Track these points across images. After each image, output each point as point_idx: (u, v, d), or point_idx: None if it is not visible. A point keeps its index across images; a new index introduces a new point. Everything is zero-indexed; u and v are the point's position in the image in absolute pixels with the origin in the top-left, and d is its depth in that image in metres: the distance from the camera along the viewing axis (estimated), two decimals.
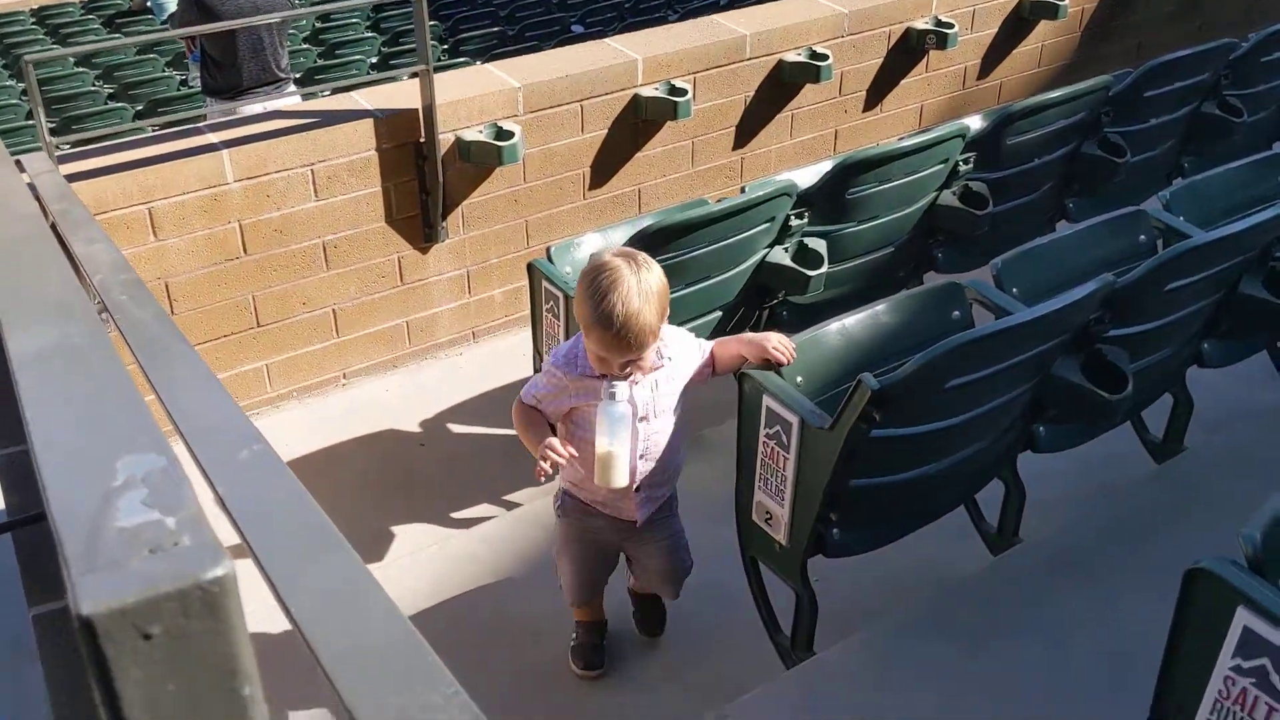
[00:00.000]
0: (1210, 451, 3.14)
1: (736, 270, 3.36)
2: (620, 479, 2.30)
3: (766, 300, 3.60)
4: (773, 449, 2.48)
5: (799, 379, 2.51)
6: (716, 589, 2.80)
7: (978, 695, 2.40)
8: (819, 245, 3.43)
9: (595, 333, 2.18)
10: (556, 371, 2.32)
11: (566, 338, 3.29)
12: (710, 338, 3.50)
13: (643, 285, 2.17)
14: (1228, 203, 3.18)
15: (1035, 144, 3.84)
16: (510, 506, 3.48)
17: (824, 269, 3.41)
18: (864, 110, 5.24)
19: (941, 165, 3.63)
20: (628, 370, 2.25)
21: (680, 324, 3.39)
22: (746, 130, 4.84)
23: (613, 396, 2.24)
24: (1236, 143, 4.22)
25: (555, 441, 2.30)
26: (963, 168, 3.71)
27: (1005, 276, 2.74)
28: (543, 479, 2.33)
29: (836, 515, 2.44)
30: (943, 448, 2.49)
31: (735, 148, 4.84)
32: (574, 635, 2.79)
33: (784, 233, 3.42)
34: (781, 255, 3.43)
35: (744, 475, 2.62)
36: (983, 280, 2.83)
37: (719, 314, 3.44)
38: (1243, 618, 1.57)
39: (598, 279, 2.16)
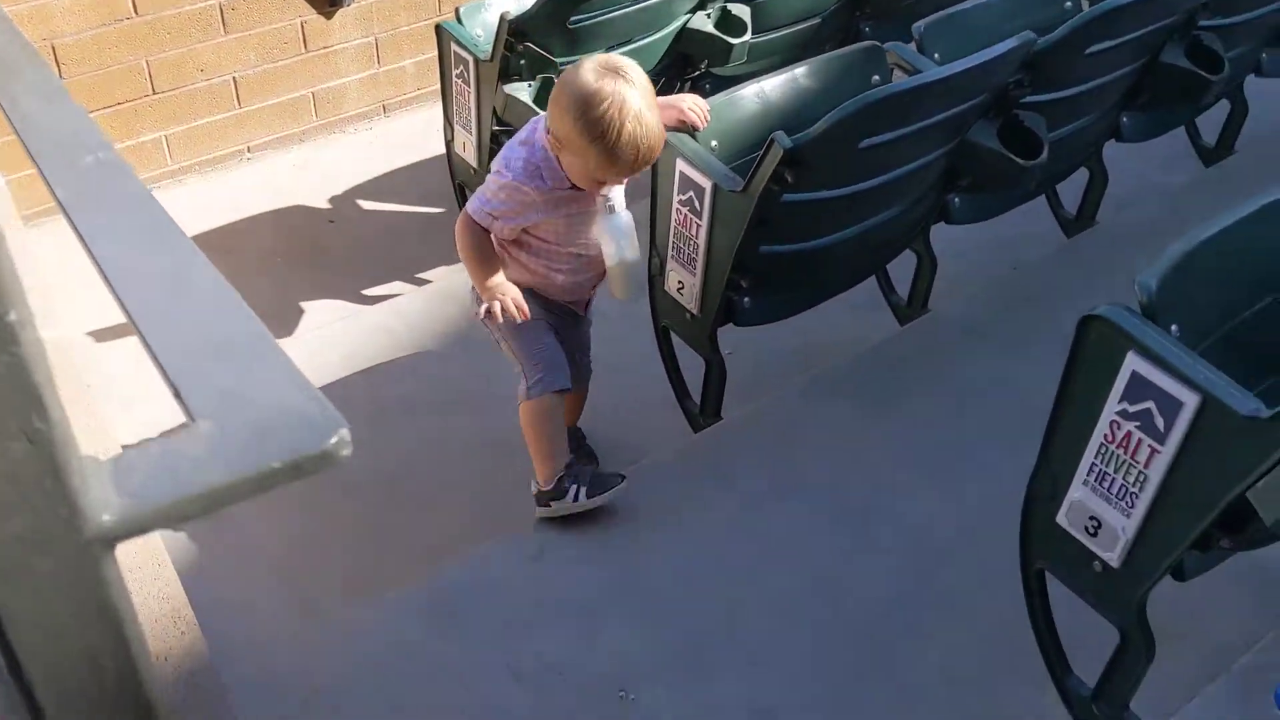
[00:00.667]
0: (1120, 227, 3.17)
1: (657, 36, 3.23)
2: (640, 287, 2.29)
3: (688, 71, 3.48)
4: (685, 216, 2.43)
5: (714, 143, 2.44)
6: (627, 361, 2.80)
7: (880, 454, 2.47)
8: (743, 12, 3.30)
9: (605, 162, 2.01)
10: (524, 187, 2.11)
11: (478, 104, 3.16)
12: None
13: (646, 100, 2.01)
14: None
15: None
16: (423, 283, 3.42)
17: (748, 37, 3.29)
18: None
19: None
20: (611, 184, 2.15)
21: None
22: None
23: (613, 209, 2.15)
24: None
25: (515, 292, 2.15)
26: None
27: (927, 39, 2.66)
28: (487, 323, 2.19)
29: (747, 283, 2.43)
30: (856, 213, 2.46)
31: None
32: (569, 487, 2.29)
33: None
34: (704, 21, 3.29)
35: (657, 245, 2.58)
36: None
37: None
38: (1132, 362, 1.59)
39: (602, 111, 1.97)
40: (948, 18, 2.72)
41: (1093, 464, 1.70)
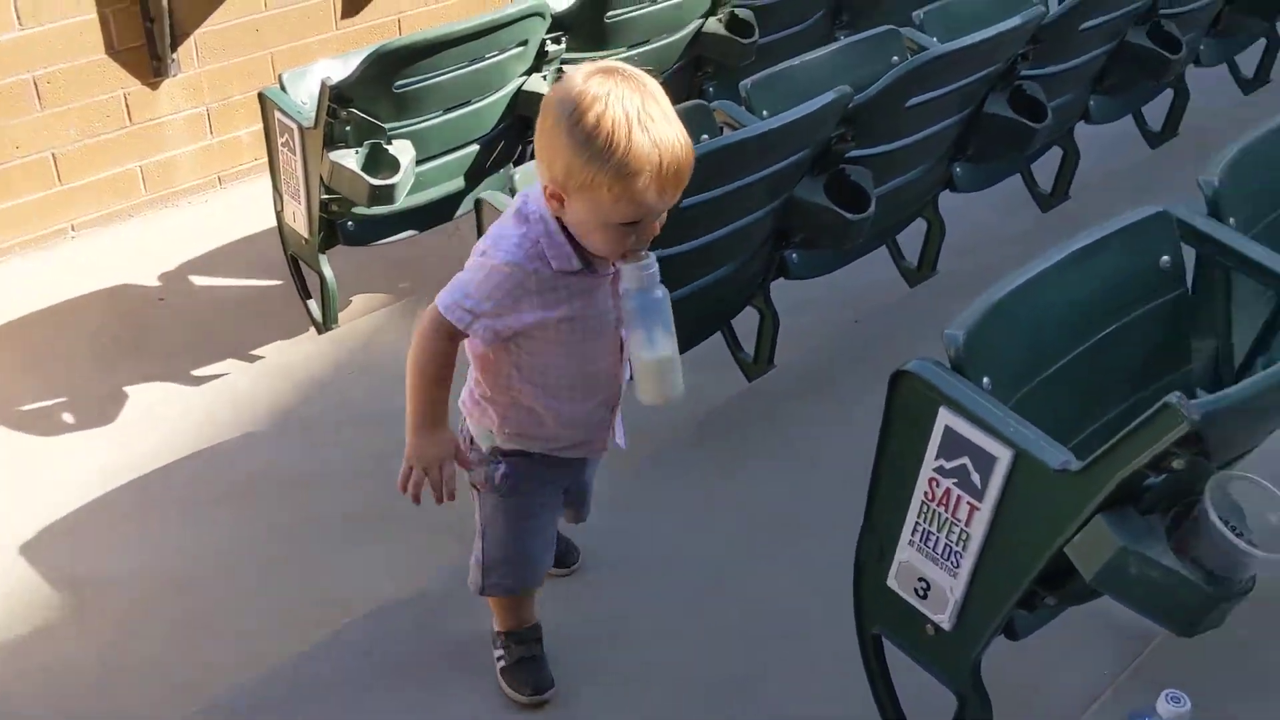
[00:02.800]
0: (961, 275, 3.18)
1: (492, 98, 3.17)
2: (680, 385, 1.65)
3: (528, 134, 3.42)
4: None
5: None
6: None
7: (725, 519, 2.40)
8: None
9: (621, 187, 1.44)
10: (523, 267, 1.55)
11: (305, 173, 3.04)
12: (469, 174, 3.37)
13: (656, 99, 1.48)
14: (981, 24, 3.16)
15: None
16: (255, 360, 3.26)
17: None
18: None
19: None
20: (640, 244, 1.55)
21: (436, 158, 3.21)
22: None
23: (645, 280, 1.56)
24: None
25: (449, 462, 1.65)
26: None
27: (754, 97, 2.64)
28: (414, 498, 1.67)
29: None
30: (690, 272, 2.41)
31: None
32: (502, 651, 1.99)
33: (541, 59, 3.24)
34: (540, 83, 3.25)
35: None
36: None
37: (476, 148, 3.26)
38: (944, 417, 1.55)
39: (596, 114, 1.42)
40: (773, 75, 2.71)
41: (916, 523, 1.65)
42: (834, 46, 2.90)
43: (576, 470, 1.88)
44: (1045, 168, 3.66)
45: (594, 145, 1.43)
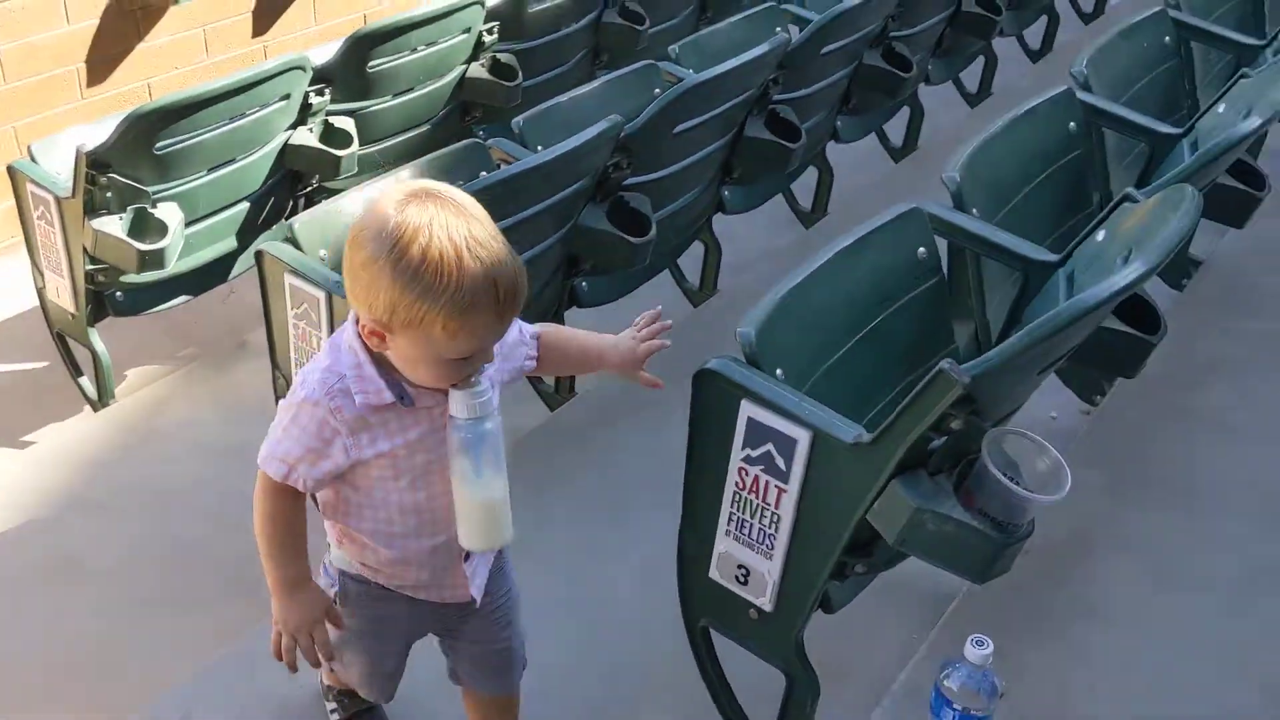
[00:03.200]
0: (739, 290, 3.34)
1: (258, 155, 3.12)
2: (508, 529, 1.49)
3: (300, 188, 3.38)
4: (304, 330, 2.33)
5: (322, 253, 2.36)
6: None
7: (544, 538, 2.43)
8: (346, 124, 3.26)
9: (457, 322, 1.30)
10: (323, 408, 1.40)
11: (66, 245, 2.90)
12: (242, 233, 3.29)
13: (477, 218, 1.33)
14: (732, 54, 3.34)
15: (556, 13, 3.85)
16: (26, 446, 3.06)
17: (354, 148, 3.24)
18: None
19: (464, 35, 3.54)
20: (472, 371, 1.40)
21: (206, 218, 3.13)
22: (266, 15, 4.50)
23: (477, 408, 1.39)
24: None
25: (319, 624, 1.53)
26: (488, 39, 3.64)
27: (527, 132, 2.72)
28: (290, 666, 1.55)
29: None
30: None
31: (255, 35, 4.49)
32: (335, 705, 1.94)
33: (305, 112, 3.21)
34: (307, 136, 3.22)
35: (279, 363, 2.45)
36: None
37: (246, 205, 3.19)
38: (746, 409, 1.65)
39: (423, 245, 1.28)
40: (544, 111, 2.80)
41: (731, 513, 1.73)
42: (599, 81, 3.01)
43: (437, 614, 1.66)
44: (804, 187, 3.90)
45: (423, 281, 1.28)
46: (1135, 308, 1.97)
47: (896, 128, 4.30)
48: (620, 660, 2.15)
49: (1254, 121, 1.96)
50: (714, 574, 1.80)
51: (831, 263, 1.84)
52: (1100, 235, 1.93)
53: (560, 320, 2.87)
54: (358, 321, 1.39)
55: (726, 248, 3.42)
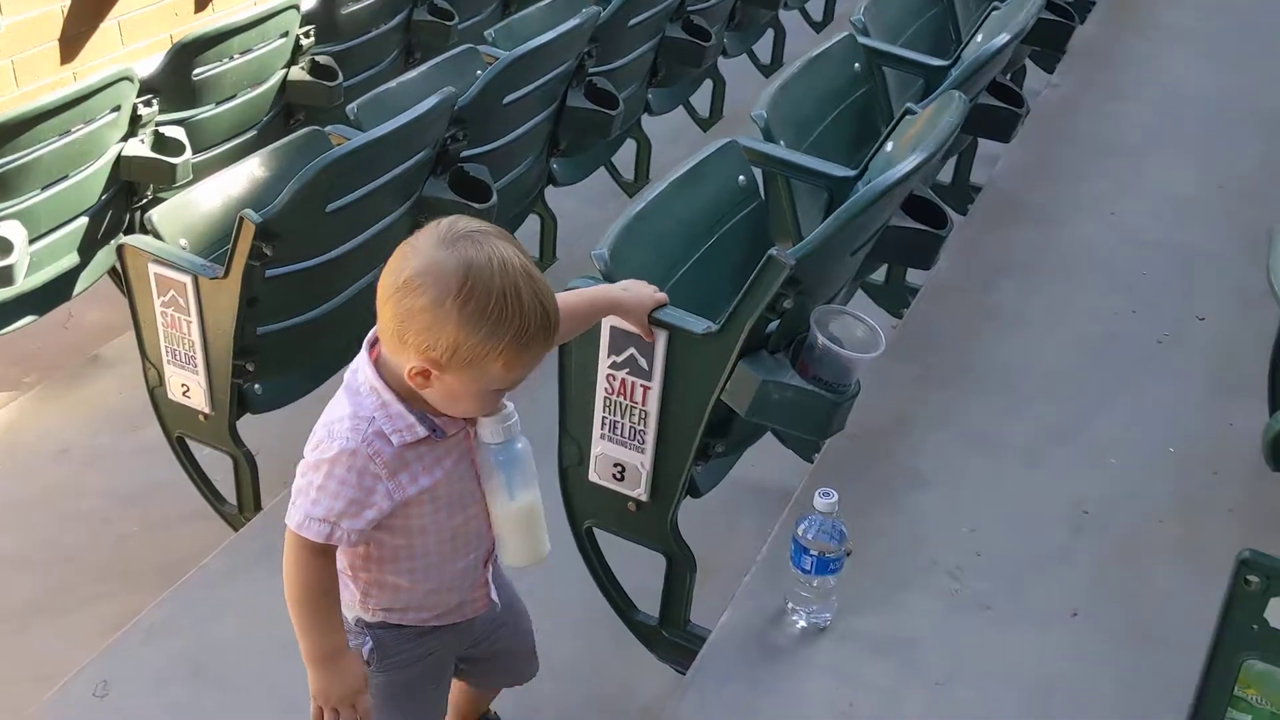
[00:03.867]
0: (576, 258, 3.56)
1: (93, 169, 3.16)
2: (546, 540, 1.54)
3: (135, 200, 3.43)
4: (172, 316, 2.42)
5: (182, 242, 2.46)
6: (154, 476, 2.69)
7: None
8: (177, 133, 3.33)
9: (517, 354, 1.33)
10: (362, 455, 1.38)
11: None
12: (83, 248, 3.31)
13: (515, 246, 1.37)
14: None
15: (369, 13, 3.99)
16: None
17: (188, 155, 3.31)
18: (196, 11, 5.06)
19: (282, 40, 3.64)
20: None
21: (45, 235, 3.14)
22: (73, 42, 4.47)
23: (508, 431, 1.44)
24: None
25: (362, 696, 1.50)
26: (305, 42, 3.76)
27: (363, 118, 2.86)
28: None
29: (254, 367, 2.46)
30: (341, 278, 2.59)
31: (64, 62, 4.46)
32: None
33: (135, 124, 3.26)
34: (139, 147, 3.27)
35: (149, 358, 2.54)
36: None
37: (85, 220, 3.22)
38: (608, 321, 1.85)
39: (490, 286, 1.29)
40: (376, 96, 2.95)
41: (604, 418, 1.94)
42: (425, 66, 3.18)
43: (464, 632, 1.66)
44: (624, 162, 4.15)
45: (491, 321, 1.30)
46: (925, 210, 2.28)
47: (702, 100, 4.60)
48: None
49: (1003, 38, 2.30)
50: (593, 477, 2.01)
51: (667, 193, 2.08)
52: (889, 146, 2.23)
53: None
54: (376, 363, 1.40)
55: (559, 222, 3.64)
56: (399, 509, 1.43)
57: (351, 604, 1.55)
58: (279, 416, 2.61)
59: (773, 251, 1.69)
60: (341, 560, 1.51)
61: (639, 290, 1.74)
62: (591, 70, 3.28)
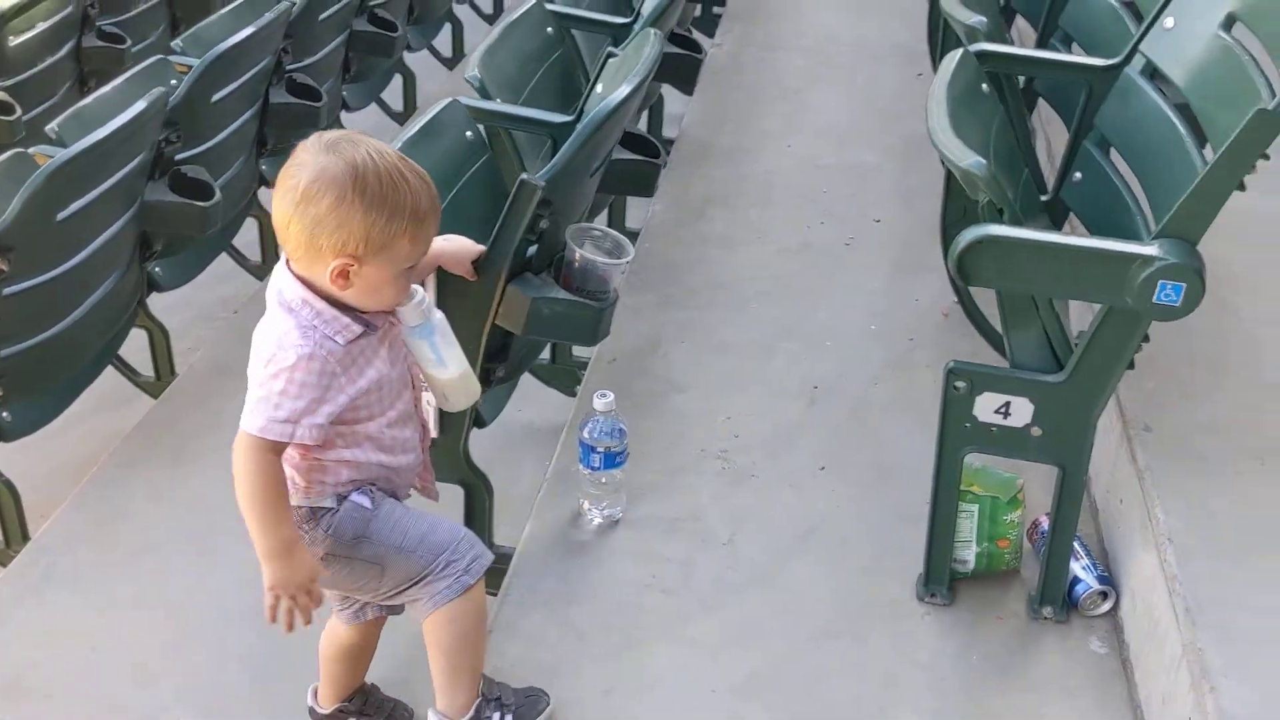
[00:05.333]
0: None
1: None
2: (477, 384, 1.76)
3: None
4: None
5: None
6: None
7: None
8: None
9: (415, 232, 1.50)
10: (318, 358, 1.51)
11: None
12: None
13: (385, 145, 1.54)
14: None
15: (36, 44, 3.84)
16: None
17: None
18: None
19: None
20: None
21: None
22: None
23: (425, 310, 1.63)
24: None
25: (311, 578, 1.56)
26: None
27: (65, 134, 2.78)
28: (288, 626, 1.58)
29: (1, 392, 2.38)
30: (77, 292, 2.54)
31: None
32: (487, 707, 1.78)
33: None
34: None
35: None
36: None
37: None
38: None
39: (376, 177, 1.45)
40: (76, 113, 2.88)
41: None
42: (118, 81, 3.11)
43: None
44: None
45: (389, 203, 1.47)
46: (641, 145, 2.53)
47: (394, 96, 4.70)
48: None
49: None
50: None
51: (406, 148, 2.17)
52: (599, 88, 2.46)
53: (143, 307, 2.99)
54: (298, 277, 1.51)
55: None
56: (353, 404, 1.57)
57: (300, 495, 1.62)
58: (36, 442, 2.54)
59: (524, 176, 1.86)
60: (311, 460, 1.61)
61: (459, 242, 1.88)
62: (289, 67, 3.33)
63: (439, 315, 1.67)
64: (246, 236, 3.61)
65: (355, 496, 1.65)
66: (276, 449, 1.53)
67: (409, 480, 1.77)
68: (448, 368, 1.68)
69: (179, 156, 2.80)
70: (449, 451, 2.12)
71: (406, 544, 1.67)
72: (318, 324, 1.52)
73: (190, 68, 3.23)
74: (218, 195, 2.80)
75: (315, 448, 1.58)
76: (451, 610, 1.68)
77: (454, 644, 1.72)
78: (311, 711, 1.91)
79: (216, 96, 2.87)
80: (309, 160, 1.47)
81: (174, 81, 3.23)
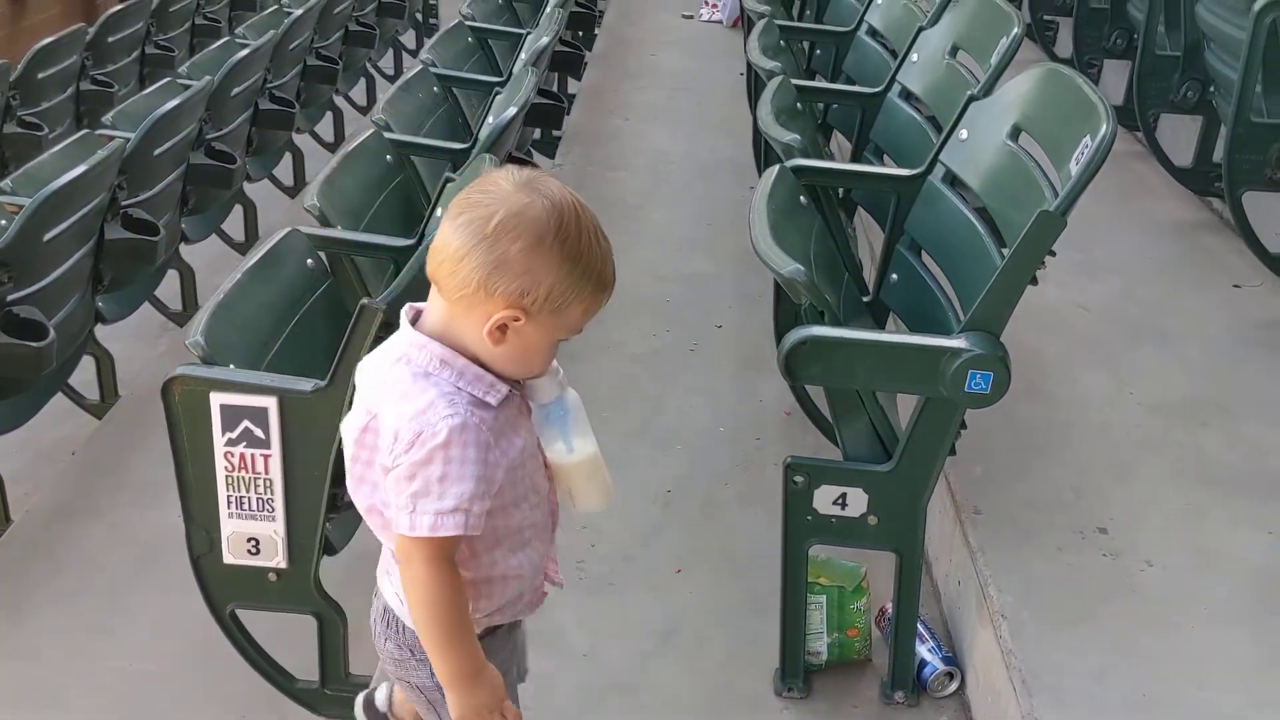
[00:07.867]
0: (139, 389, 3.52)
1: None
2: (610, 481, 1.52)
3: None
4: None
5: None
6: None
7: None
8: None
9: (595, 295, 1.32)
10: (472, 428, 1.30)
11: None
12: None
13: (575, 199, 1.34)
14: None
15: None
16: None
17: None
18: None
19: None
20: None
21: None
22: None
23: (562, 384, 1.44)
24: None
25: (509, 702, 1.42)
26: None
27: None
28: None
29: None
30: None
31: None
32: None
33: None
34: None
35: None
36: None
37: None
38: (217, 399, 1.95)
39: (578, 229, 1.29)
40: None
41: (229, 496, 2.02)
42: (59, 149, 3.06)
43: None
44: (170, 293, 4.13)
45: (584, 261, 1.30)
46: None
47: (235, 226, 4.67)
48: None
49: (510, 111, 2.68)
50: (229, 558, 2.06)
51: (243, 281, 2.20)
52: (439, 212, 2.52)
53: None
54: (495, 321, 1.31)
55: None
56: (509, 477, 1.37)
57: None
58: None
59: (364, 300, 1.89)
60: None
61: None
62: (125, 202, 3.30)
63: (574, 394, 1.47)
64: (83, 375, 3.52)
65: None
66: (451, 553, 1.33)
67: (535, 593, 1.54)
68: (574, 454, 1.45)
69: (11, 297, 2.74)
70: (298, 582, 2.09)
71: None
72: (462, 385, 1.33)
73: (20, 207, 3.19)
74: (52, 335, 2.74)
75: (472, 558, 1.39)
76: None
77: None
78: None
79: (49, 235, 2.82)
80: (507, 194, 1.30)
81: (3, 221, 3.18)
